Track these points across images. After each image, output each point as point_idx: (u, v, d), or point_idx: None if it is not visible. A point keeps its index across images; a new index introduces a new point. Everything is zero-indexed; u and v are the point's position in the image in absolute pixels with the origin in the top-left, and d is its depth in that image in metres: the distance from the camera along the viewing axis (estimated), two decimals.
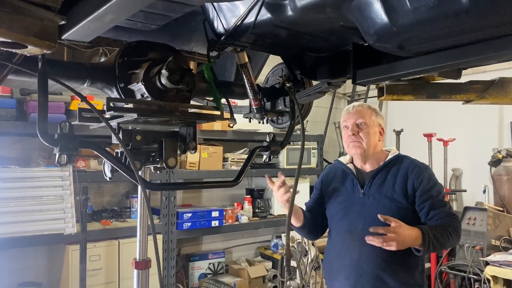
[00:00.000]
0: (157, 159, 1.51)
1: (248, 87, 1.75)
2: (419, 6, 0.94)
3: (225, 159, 4.42)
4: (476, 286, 3.44)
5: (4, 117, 3.16)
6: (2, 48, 1.06)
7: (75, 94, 1.17)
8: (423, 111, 4.93)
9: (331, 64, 1.52)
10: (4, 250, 3.48)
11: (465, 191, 4.56)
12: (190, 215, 4.06)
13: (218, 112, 1.55)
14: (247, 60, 1.72)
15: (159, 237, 3.91)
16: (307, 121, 5.36)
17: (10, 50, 0.79)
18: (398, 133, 4.68)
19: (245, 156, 4.38)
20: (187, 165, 4.14)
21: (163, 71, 1.35)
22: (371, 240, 1.80)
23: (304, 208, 2.30)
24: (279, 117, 2.00)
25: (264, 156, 1.67)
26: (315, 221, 2.24)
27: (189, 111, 1.49)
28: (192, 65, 1.96)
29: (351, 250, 2.02)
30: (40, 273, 3.77)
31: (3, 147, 3.51)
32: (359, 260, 1.98)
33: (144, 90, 1.42)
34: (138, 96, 1.47)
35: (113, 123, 1.44)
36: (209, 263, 4.59)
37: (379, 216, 1.83)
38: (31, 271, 3.73)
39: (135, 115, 1.33)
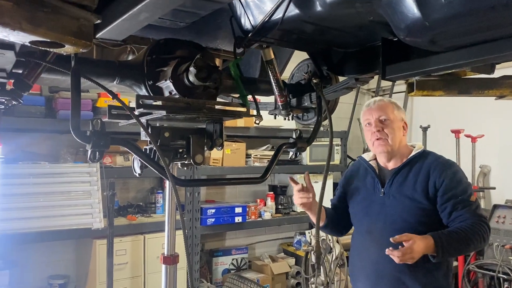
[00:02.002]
0: (185, 156, 1.52)
1: (273, 84, 1.75)
2: (452, 0, 0.92)
3: (248, 156, 4.43)
4: (505, 286, 3.36)
5: (34, 114, 3.24)
6: (36, 47, 1.09)
7: (106, 91, 1.19)
8: (450, 107, 4.82)
9: (359, 60, 1.51)
10: (35, 244, 3.58)
11: (494, 188, 4.44)
12: (214, 211, 4.09)
13: (244, 109, 1.55)
14: (273, 56, 1.71)
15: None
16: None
17: (46, 49, 0.82)
18: (424, 130, 4.60)
19: (268, 153, 4.43)
20: (211, 161, 4.17)
21: (191, 68, 1.36)
22: (390, 254, 1.75)
23: (330, 205, 2.29)
24: (305, 113, 1.99)
25: (291, 153, 1.66)
26: (339, 219, 2.22)
27: (216, 108, 1.50)
28: (218, 62, 1.98)
29: (371, 250, 1.99)
30: (68, 266, 3.87)
31: (33, 143, 3.60)
32: (378, 261, 1.94)
33: (172, 87, 1.43)
34: (166, 94, 1.48)
35: (143, 120, 1.46)
36: (233, 259, 4.62)
37: (391, 239, 1.76)
38: (60, 264, 3.83)
39: (164, 112, 1.34)
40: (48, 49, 0.69)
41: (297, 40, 1.47)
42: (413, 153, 2.03)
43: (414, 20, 1.01)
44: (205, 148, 1.56)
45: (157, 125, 1.53)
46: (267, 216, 4.51)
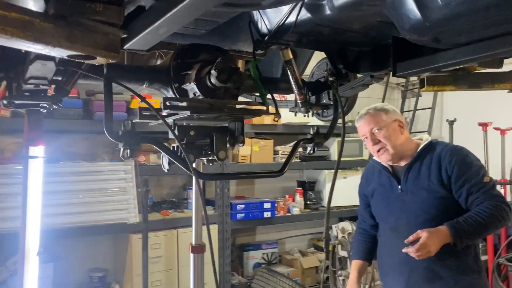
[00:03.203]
0: (209, 152, 1.63)
1: (293, 82, 1.83)
2: (449, 1, 0.98)
3: (275, 152, 4.53)
4: None
5: (72, 116, 3.45)
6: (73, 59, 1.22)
7: (135, 94, 1.31)
8: (478, 99, 4.75)
9: (373, 58, 1.57)
10: (77, 238, 3.80)
11: None
12: (243, 206, 4.21)
13: (264, 108, 1.65)
14: (291, 56, 1.79)
15: (215, 227, 4.10)
16: (358, 112, 5.36)
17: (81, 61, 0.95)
18: (451, 123, 4.56)
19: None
20: (239, 158, 4.29)
21: (212, 71, 1.47)
22: (407, 252, 1.86)
23: (359, 218, 2.40)
24: (324, 110, 2.07)
25: (308, 148, 1.74)
26: (373, 232, 2.31)
27: (237, 107, 1.60)
28: (240, 63, 2.08)
29: (399, 247, 1.99)
30: (107, 260, 4.08)
31: (72, 144, 3.83)
32: (408, 257, 1.94)
33: (196, 89, 1.54)
34: (191, 95, 1.59)
35: (170, 120, 1.58)
36: (263, 253, 4.73)
37: (405, 241, 1.86)
38: (99, 258, 4.04)
39: (188, 113, 1.46)
40: (82, 61, 0.81)
41: (312, 41, 1.55)
42: (421, 146, 2.08)
43: (415, 21, 1.08)
44: (228, 145, 1.66)
45: (184, 124, 1.64)
46: (295, 211, 4.59)
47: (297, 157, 4.63)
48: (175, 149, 1.63)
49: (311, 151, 1.71)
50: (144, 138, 1.33)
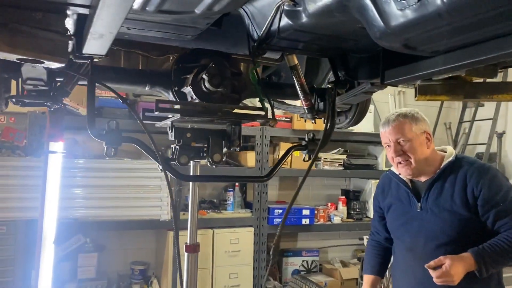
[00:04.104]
0: (205, 155, 1.67)
1: (298, 88, 1.82)
2: (404, 8, 0.94)
3: (318, 158, 4.47)
4: None
5: (119, 116, 3.66)
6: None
7: (117, 96, 1.38)
8: None
9: (370, 65, 1.52)
10: (119, 231, 4.03)
11: None
12: (280, 211, 4.21)
13: (262, 112, 1.66)
14: (296, 62, 1.79)
15: (251, 230, 4.14)
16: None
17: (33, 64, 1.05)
18: (499, 136, 4.23)
19: (339, 156, 4.40)
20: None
21: (204, 76, 1.51)
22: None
23: (372, 230, 2.29)
24: (338, 117, 2.04)
25: (304, 155, 1.72)
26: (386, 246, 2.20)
27: (233, 111, 1.62)
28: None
29: (415, 269, 1.92)
30: (149, 254, 4.27)
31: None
32: (424, 279, 1.84)
33: (192, 92, 1.60)
34: (189, 98, 1.65)
35: (168, 122, 1.64)
36: (303, 260, 4.69)
37: (425, 266, 1.74)
38: (142, 252, 4.24)
39: (179, 115, 1.51)
40: (33, 64, 0.89)
41: (306, 47, 1.53)
42: (445, 162, 1.92)
43: (380, 28, 1.04)
44: (225, 149, 1.69)
45: (181, 127, 1.69)
46: (336, 220, 4.50)
47: (340, 164, 4.53)
48: (174, 151, 1.69)
49: (307, 158, 1.69)
50: (126, 138, 1.40)
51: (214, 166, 1.74)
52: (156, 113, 1.50)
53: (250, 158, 4.15)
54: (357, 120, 1.98)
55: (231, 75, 1.69)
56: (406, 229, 1.98)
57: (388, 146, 1.95)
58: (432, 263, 1.74)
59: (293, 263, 4.65)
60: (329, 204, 4.64)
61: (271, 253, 1.53)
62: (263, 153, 4.15)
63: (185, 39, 1.40)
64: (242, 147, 1.81)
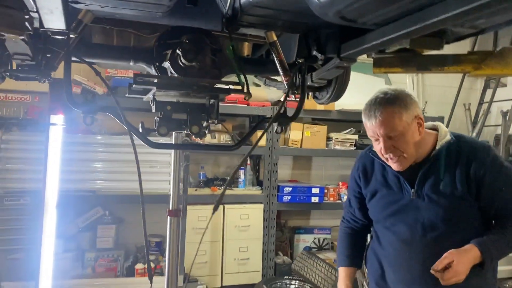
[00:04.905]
0: (184, 126, 1.78)
1: (278, 64, 1.89)
2: None
3: (329, 139, 4.51)
4: None
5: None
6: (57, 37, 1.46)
7: (94, 70, 1.51)
8: None
9: (336, 39, 1.58)
10: (136, 205, 4.23)
11: None
12: (290, 189, 4.31)
13: (239, 87, 1.75)
14: (274, 38, 1.85)
15: (261, 206, 4.26)
16: (426, 102, 5.07)
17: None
18: (504, 115, 4.13)
19: (351, 136, 4.43)
20: (290, 142, 4.37)
21: (177, 51, 1.62)
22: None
23: (346, 216, 2.05)
24: (319, 92, 2.10)
25: (275, 127, 1.80)
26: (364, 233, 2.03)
27: (208, 85, 1.72)
28: (246, 46, 2.19)
29: (412, 262, 1.73)
30: (164, 227, 4.46)
31: (137, 120, 4.25)
32: (423, 274, 1.66)
33: (171, 67, 1.71)
34: (169, 73, 1.76)
35: (150, 95, 1.76)
36: (314, 238, 4.78)
37: (432, 271, 1.56)
38: (158, 225, 4.43)
39: (154, 88, 1.63)
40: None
41: (274, 24, 1.60)
42: (442, 143, 1.71)
43: (314, 2, 1.11)
44: (203, 122, 1.80)
45: (163, 100, 1.80)
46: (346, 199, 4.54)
47: (352, 144, 4.56)
48: (157, 123, 1.81)
49: (279, 130, 1.77)
50: (103, 107, 1.54)
51: (197, 137, 1.87)
52: (134, 86, 1.62)
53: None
54: (337, 95, 2.02)
55: (211, 51, 1.78)
56: (399, 219, 1.77)
57: (375, 140, 1.70)
58: (439, 265, 1.56)
59: (305, 240, 4.75)
60: (340, 183, 4.68)
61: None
62: (273, 133, 4.23)
63: (156, 16, 1.50)
64: (254, 126, 1.90)
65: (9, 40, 1.32)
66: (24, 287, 2.81)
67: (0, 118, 3.52)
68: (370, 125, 1.67)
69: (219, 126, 4.28)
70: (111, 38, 1.91)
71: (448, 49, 1.31)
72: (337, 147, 4.47)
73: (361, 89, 4.68)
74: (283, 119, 1.72)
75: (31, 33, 1.10)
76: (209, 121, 1.78)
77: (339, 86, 1.98)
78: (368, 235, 2.04)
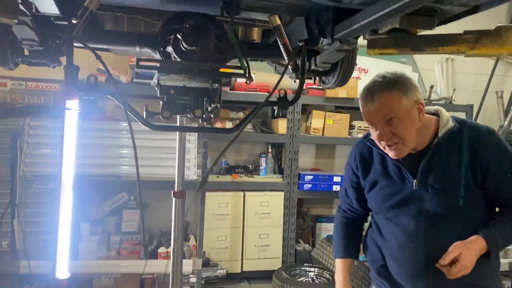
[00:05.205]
0: (187, 110, 1.83)
1: (282, 49, 1.90)
2: None
3: (352, 127, 4.46)
4: None
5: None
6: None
7: (96, 56, 1.56)
8: None
9: (330, 22, 1.57)
10: (160, 191, 4.35)
11: None
12: (311, 177, 4.30)
13: (240, 71, 1.77)
14: (278, 22, 1.85)
15: (281, 194, 4.28)
16: (454, 89, 4.91)
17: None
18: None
19: None
20: (311, 130, 4.35)
21: (178, 35, 1.65)
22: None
23: (342, 206, 1.98)
24: (326, 77, 2.09)
25: (276, 111, 1.81)
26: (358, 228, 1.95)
27: (210, 70, 1.75)
28: (256, 31, 2.21)
29: (416, 255, 1.65)
30: (188, 213, 4.58)
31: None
32: (428, 266, 1.60)
33: (173, 52, 1.75)
34: (173, 58, 1.80)
35: (155, 79, 1.81)
36: None
37: (438, 265, 1.50)
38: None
39: (156, 72, 1.67)
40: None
41: (276, 7, 1.61)
42: (445, 129, 1.62)
43: None
44: (207, 105, 1.83)
45: (167, 84, 1.85)
46: None
47: None
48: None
49: (279, 114, 1.78)
50: (104, 91, 1.59)
51: (203, 122, 1.91)
52: (137, 70, 1.68)
53: (281, 126, 4.25)
54: (343, 80, 2.00)
55: (215, 36, 1.81)
56: (401, 210, 1.69)
57: (372, 126, 1.62)
58: (445, 259, 1.50)
59: (327, 229, 4.74)
60: None
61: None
62: (294, 121, 4.23)
63: (154, 2, 1.55)
64: (275, 114, 1.92)
65: (16, 26, 1.40)
66: (46, 266, 2.96)
67: (30, 106, 3.70)
68: (367, 111, 1.59)
69: (241, 114, 4.33)
70: (121, 25, 1.97)
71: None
72: (360, 136, 4.41)
73: None
74: (283, 103, 1.73)
75: (28, 17, 1.16)
76: (212, 105, 1.80)
77: (344, 70, 1.96)
78: (366, 223, 1.98)
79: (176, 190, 2.09)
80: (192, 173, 3.62)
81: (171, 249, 2.14)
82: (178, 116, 2.18)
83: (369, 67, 4.75)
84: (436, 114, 1.68)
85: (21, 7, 1.10)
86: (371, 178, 1.77)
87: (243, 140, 4.60)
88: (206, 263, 4.04)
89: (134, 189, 4.29)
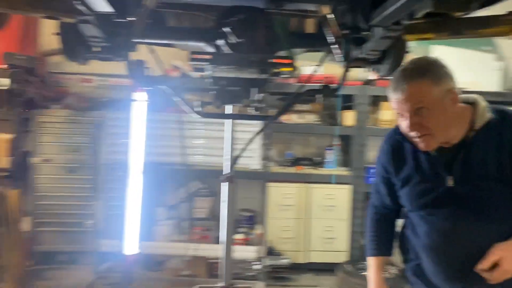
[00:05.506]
0: (238, 99, 1.93)
1: (331, 38, 1.92)
2: None
3: None
4: None
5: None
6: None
7: (149, 50, 1.71)
8: None
9: (371, 8, 1.56)
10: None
11: None
12: None
13: (287, 61, 1.83)
14: (326, 12, 1.88)
15: (347, 187, 4.25)
16: None
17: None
18: None
19: None
20: (380, 122, 4.26)
21: (226, 29, 1.75)
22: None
23: (374, 202, 1.86)
24: (378, 65, 2.07)
25: (317, 99, 1.83)
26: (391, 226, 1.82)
27: (258, 61, 1.82)
28: (311, 22, 2.24)
29: (454, 257, 1.54)
30: (255, 203, 4.71)
31: None
32: (467, 269, 1.48)
33: (225, 44, 1.85)
34: (225, 50, 1.91)
35: (209, 71, 1.94)
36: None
37: (477, 270, 1.40)
38: (249, 201, 4.68)
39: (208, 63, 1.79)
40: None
41: None
42: (483, 119, 1.49)
43: None
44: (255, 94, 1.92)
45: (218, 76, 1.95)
46: None
47: None
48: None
49: (321, 101, 1.80)
50: (159, 82, 1.74)
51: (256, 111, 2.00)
52: (191, 63, 1.80)
53: (349, 117, 4.21)
54: (394, 67, 1.96)
55: (265, 28, 1.89)
56: (435, 209, 1.58)
57: (401, 116, 1.50)
58: (485, 264, 1.40)
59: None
60: None
61: None
62: (362, 113, 4.16)
63: None
64: (343, 106, 1.97)
65: (81, 24, 1.59)
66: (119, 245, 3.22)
67: (111, 100, 4.06)
68: (395, 99, 1.47)
69: (308, 106, 4.36)
70: (182, 21, 2.13)
71: None
72: None
73: (469, 66, 4.35)
74: (327, 91, 1.75)
75: (88, 16, 1.32)
76: (262, 93, 1.88)
77: (395, 57, 1.93)
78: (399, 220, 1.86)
79: (228, 175, 2.20)
80: (256, 163, 3.73)
81: (221, 234, 2.25)
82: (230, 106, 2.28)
83: (446, 57, 4.51)
84: (472, 103, 1.54)
85: (79, 6, 1.25)
86: (403, 174, 1.65)
87: (309, 132, 4.62)
88: (270, 252, 4.15)
89: (206, 178, 4.52)
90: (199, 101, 1.93)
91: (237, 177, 4.16)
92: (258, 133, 1.74)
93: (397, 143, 1.67)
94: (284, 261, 4.09)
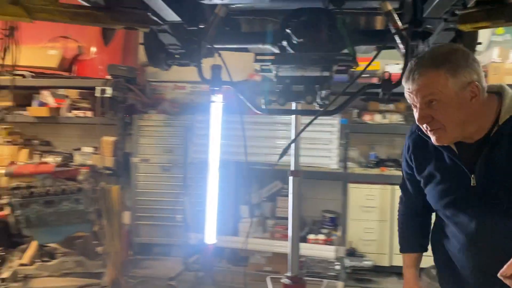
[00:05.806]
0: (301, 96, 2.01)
1: (394, 33, 1.93)
2: None
3: None
4: None
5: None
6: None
7: (219, 56, 1.87)
8: None
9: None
10: (312, 181, 4.58)
11: None
12: None
13: (348, 57, 1.88)
14: (390, 8, 1.89)
15: (388, 187, 4.14)
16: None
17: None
18: None
19: None
20: None
21: (287, 30, 1.86)
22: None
23: (403, 197, 1.78)
24: None
25: (380, 94, 1.83)
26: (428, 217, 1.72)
27: (319, 59, 1.89)
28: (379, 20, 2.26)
29: (478, 259, 1.46)
30: (338, 204, 4.70)
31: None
32: (493, 272, 1.30)
33: (286, 44, 1.97)
34: (289, 50, 2.01)
35: (274, 72, 2.06)
36: None
37: (499, 275, 1.24)
38: (331, 202, 4.70)
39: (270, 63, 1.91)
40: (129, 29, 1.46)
41: None
42: (506, 116, 1.35)
43: None
44: (319, 92, 1.99)
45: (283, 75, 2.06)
46: None
47: None
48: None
49: (383, 95, 1.81)
50: (225, 82, 1.90)
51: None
52: (256, 63, 1.94)
53: None
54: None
55: (328, 27, 1.96)
56: (460, 210, 1.48)
57: (414, 106, 1.41)
58: (507, 271, 1.24)
59: None
60: None
61: None
62: None
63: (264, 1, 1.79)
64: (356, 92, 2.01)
65: (160, 34, 1.81)
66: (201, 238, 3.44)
67: (199, 104, 4.38)
68: (407, 88, 1.39)
69: (391, 106, 4.27)
70: (255, 27, 2.28)
71: None
72: None
73: None
74: (387, 86, 1.76)
75: (160, 26, 1.52)
76: (323, 91, 1.95)
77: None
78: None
79: (293, 170, 2.29)
80: (334, 163, 3.76)
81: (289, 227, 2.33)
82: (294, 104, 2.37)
83: None
84: (497, 92, 1.41)
85: (151, 17, 1.45)
86: (425, 172, 1.55)
87: (394, 133, 4.51)
88: (352, 253, 4.12)
89: (287, 178, 4.62)
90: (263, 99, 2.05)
91: (316, 177, 4.26)
92: (306, 126, 1.81)
93: (418, 139, 1.56)
94: (366, 263, 4.05)
